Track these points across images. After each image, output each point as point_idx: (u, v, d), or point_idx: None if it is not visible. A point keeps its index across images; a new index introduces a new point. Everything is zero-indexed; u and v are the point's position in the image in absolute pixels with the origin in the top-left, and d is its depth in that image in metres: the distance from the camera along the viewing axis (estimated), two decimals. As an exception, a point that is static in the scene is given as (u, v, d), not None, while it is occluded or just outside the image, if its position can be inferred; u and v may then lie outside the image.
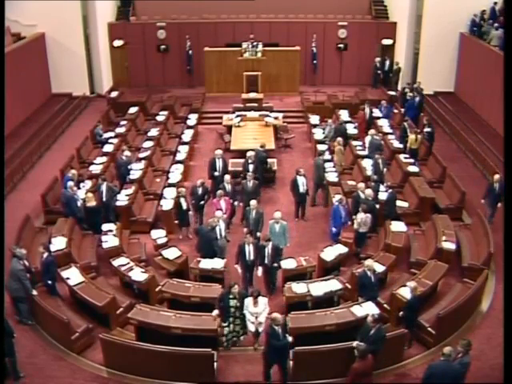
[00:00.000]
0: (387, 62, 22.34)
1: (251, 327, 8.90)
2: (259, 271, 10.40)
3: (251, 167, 13.51)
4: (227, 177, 12.72)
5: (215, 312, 8.83)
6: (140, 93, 21.64)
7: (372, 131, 15.92)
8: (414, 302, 8.92)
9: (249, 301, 8.82)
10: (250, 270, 10.41)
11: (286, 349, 8.13)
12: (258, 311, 8.80)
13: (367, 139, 15.75)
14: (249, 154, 13.82)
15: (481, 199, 12.77)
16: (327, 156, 15.24)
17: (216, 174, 13.41)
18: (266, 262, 10.20)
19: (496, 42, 18.36)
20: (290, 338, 8.14)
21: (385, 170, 14.06)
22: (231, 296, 8.82)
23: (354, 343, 7.95)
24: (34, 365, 8.79)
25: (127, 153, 14.61)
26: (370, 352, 7.74)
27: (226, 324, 8.91)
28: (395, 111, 19.23)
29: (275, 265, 10.29)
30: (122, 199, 12.78)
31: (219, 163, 13.53)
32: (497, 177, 12.40)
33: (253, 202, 11.46)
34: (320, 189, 13.94)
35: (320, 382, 8.14)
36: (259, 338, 8.98)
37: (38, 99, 20.30)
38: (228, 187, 12.52)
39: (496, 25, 18.79)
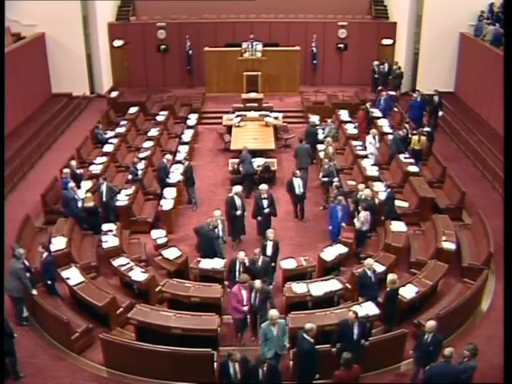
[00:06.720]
0: (385, 66, 22.00)
1: None
2: None
3: (265, 203, 12.00)
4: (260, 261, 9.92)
5: None
6: (140, 93, 21.63)
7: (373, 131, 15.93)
8: (391, 294, 8.97)
9: None
10: None
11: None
12: None
13: (369, 138, 15.64)
14: (261, 187, 12.37)
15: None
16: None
17: (238, 213, 11.94)
18: None
19: (489, 38, 18.36)
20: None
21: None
22: None
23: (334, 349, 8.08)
24: (34, 365, 8.79)
25: (168, 156, 14.72)
26: (358, 357, 7.70)
27: None
28: (395, 110, 19.22)
29: None
30: (122, 199, 12.79)
31: (239, 201, 12.06)
32: (430, 324, 7.96)
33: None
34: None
35: (320, 382, 8.13)
36: None
37: (37, 99, 20.29)
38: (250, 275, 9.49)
39: (490, 21, 18.91)
